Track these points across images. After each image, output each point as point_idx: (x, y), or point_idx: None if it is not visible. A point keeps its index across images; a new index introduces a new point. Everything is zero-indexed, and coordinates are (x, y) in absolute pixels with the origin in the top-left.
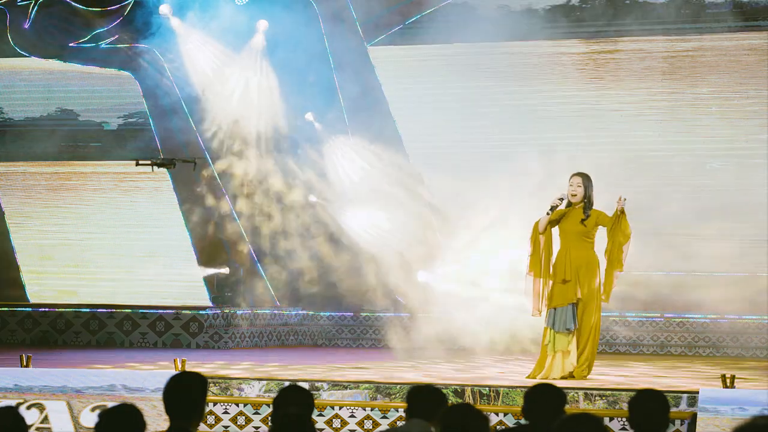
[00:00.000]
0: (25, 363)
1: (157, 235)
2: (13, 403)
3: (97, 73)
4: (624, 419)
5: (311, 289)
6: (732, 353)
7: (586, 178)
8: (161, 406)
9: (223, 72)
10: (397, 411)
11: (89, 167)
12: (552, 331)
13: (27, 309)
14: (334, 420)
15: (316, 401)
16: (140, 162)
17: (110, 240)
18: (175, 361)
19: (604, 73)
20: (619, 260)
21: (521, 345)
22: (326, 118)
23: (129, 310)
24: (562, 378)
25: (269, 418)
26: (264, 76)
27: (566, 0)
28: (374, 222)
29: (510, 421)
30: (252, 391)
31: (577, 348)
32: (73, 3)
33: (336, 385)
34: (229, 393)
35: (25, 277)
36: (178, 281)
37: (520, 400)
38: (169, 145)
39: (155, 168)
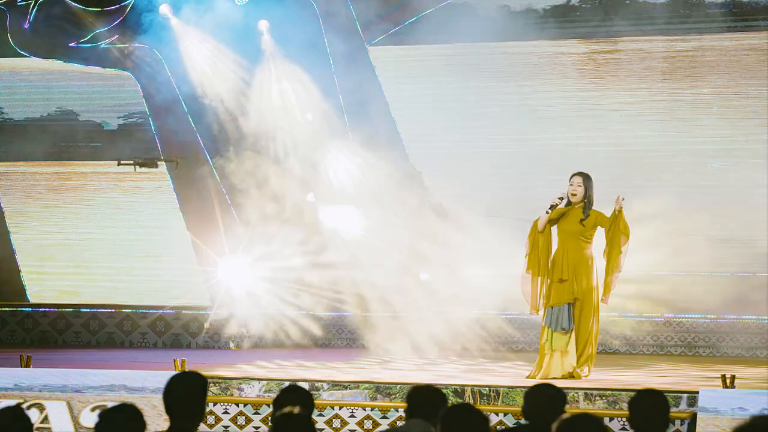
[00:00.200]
0: (25, 363)
1: (157, 235)
2: (13, 403)
3: (97, 73)
4: (624, 419)
5: (311, 289)
6: (732, 353)
7: (586, 178)
8: (161, 406)
9: (222, 71)
10: (397, 411)
11: (89, 167)
12: (549, 330)
13: (27, 309)
14: (334, 420)
15: (316, 401)
16: (122, 162)
17: (110, 240)
18: (175, 361)
19: (604, 73)
20: (618, 262)
21: (518, 345)
22: (326, 118)
23: (129, 310)
24: (562, 378)
25: (269, 418)
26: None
27: (566, 0)
28: (374, 222)
29: (510, 421)
30: (252, 391)
31: (577, 348)
32: (73, 3)
33: (336, 385)
34: (229, 393)
35: (25, 277)
36: (178, 281)
37: (520, 400)
38: (170, 144)
39: (137, 168)
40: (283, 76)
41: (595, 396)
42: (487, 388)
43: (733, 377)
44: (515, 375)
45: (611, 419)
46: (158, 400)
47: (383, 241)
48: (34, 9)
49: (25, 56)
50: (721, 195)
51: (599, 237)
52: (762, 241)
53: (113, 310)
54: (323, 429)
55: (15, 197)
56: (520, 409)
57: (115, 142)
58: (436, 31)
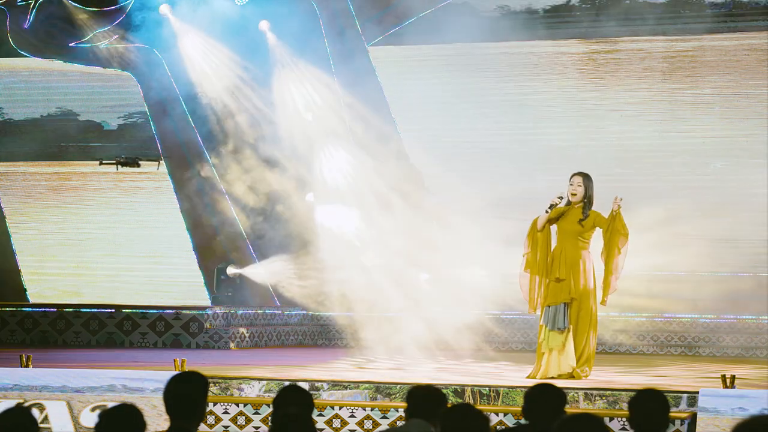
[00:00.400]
0: (25, 363)
1: (157, 235)
2: (13, 403)
3: (97, 73)
4: (624, 419)
5: (312, 289)
6: (732, 353)
7: (586, 178)
8: (161, 406)
9: (222, 71)
10: (397, 411)
11: (89, 167)
12: (546, 329)
13: (27, 309)
14: (334, 420)
15: (316, 401)
16: (104, 161)
17: (110, 240)
18: (175, 361)
19: (604, 73)
20: (617, 263)
21: (517, 346)
22: (326, 118)
23: (129, 310)
24: (560, 377)
25: (269, 418)
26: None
27: (566, 0)
28: (373, 222)
29: (510, 421)
30: (252, 391)
31: (576, 348)
32: (73, 3)
33: (336, 385)
34: (229, 393)
35: (26, 277)
36: (178, 281)
37: (520, 400)
38: (169, 144)
39: (119, 168)
40: (284, 77)
41: (595, 396)
42: (487, 388)
43: (733, 377)
44: (513, 375)
45: (611, 419)
46: (158, 400)
47: (381, 241)
48: (34, 9)
49: (25, 56)
50: (721, 195)
51: (597, 239)
52: (763, 241)
53: (113, 310)
54: (323, 429)
55: (15, 197)
56: (520, 409)
57: (115, 142)
58: (436, 31)
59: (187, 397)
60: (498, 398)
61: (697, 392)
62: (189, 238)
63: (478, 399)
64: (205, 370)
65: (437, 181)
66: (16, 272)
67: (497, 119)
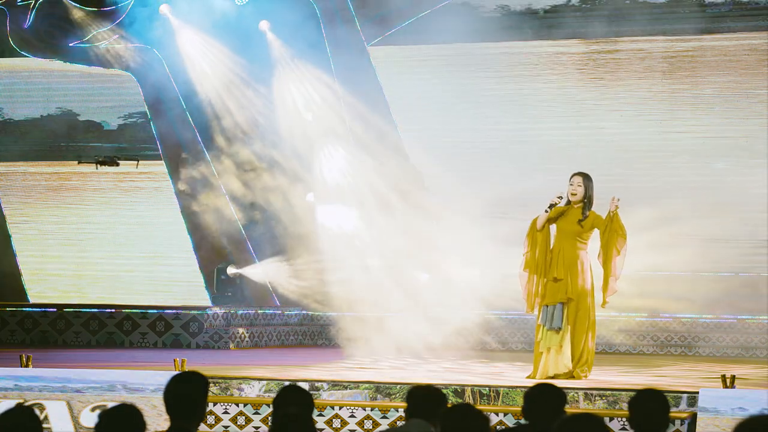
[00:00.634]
0: (25, 363)
1: (157, 235)
2: (13, 403)
3: (97, 73)
4: (624, 419)
5: (311, 289)
6: (732, 353)
7: (586, 178)
8: (161, 406)
9: (222, 71)
10: (397, 411)
11: (89, 167)
12: (543, 328)
13: (27, 309)
14: (334, 420)
15: (316, 401)
16: (82, 160)
17: (110, 240)
18: (175, 361)
19: (604, 73)
20: (616, 265)
21: (517, 346)
22: (326, 118)
23: (129, 310)
24: (558, 376)
25: (269, 418)
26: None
27: (566, 0)
28: (373, 222)
29: (510, 421)
30: (252, 391)
31: (575, 348)
32: (72, 3)
33: (336, 385)
34: (229, 393)
35: (26, 277)
36: (178, 281)
37: (520, 400)
38: (169, 144)
39: (99, 167)
40: (284, 76)
41: (595, 396)
42: (487, 388)
43: (733, 377)
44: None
45: (611, 419)
46: (158, 400)
47: (381, 241)
48: (34, 9)
49: (25, 56)
50: (721, 195)
51: (595, 240)
52: (762, 241)
53: (113, 310)
54: (323, 429)
55: (15, 197)
56: (520, 409)
57: (115, 142)
58: (436, 31)
59: (187, 397)
60: (498, 398)
61: (697, 392)
62: (189, 238)
63: (478, 399)
64: (205, 370)
65: (437, 181)
66: (17, 272)
67: (497, 119)
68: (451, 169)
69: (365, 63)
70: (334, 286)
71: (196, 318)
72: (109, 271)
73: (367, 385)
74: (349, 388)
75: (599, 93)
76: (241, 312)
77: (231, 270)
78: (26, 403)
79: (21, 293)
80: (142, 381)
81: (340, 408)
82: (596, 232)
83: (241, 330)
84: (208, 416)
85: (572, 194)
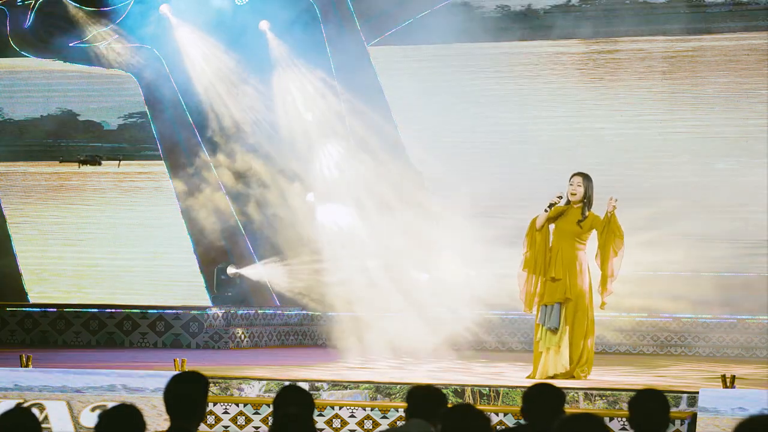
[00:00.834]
0: (25, 363)
1: (157, 235)
2: (13, 403)
3: (97, 73)
4: (624, 419)
5: (310, 289)
6: (732, 353)
7: (586, 178)
8: (161, 406)
9: (222, 70)
10: (397, 411)
11: (89, 167)
12: (543, 328)
13: (27, 309)
14: (334, 420)
15: (316, 401)
16: (63, 160)
17: (110, 240)
18: (175, 361)
19: (604, 73)
20: (613, 266)
21: (517, 346)
22: (326, 118)
23: (129, 310)
24: (556, 376)
25: (269, 418)
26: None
27: (566, 0)
28: (373, 222)
29: (510, 421)
30: (252, 391)
31: (575, 348)
32: (72, 3)
33: (336, 385)
34: (229, 393)
35: (26, 277)
36: (178, 281)
37: (520, 400)
38: (169, 143)
39: (81, 166)
40: (284, 76)
41: (595, 396)
42: (487, 388)
43: (733, 377)
44: (502, 375)
45: (611, 419)
46: (158, 400)
47: (381, 241)
48: (34, 9)
49: (25, 56)
50: (721, 195)
51: (593, 241)
52: (763, 241)
53: (113, 310)
54: (323, 429)
55: (15, 197)
56: (519, 409)
57: (114, 142)
58: (436, 31)
59: (187, 397)
60: (498, 398)
61: (697, 392)
62: (189, 238)
63: (478, 399)
64: (205, 370)
65: (437, 180)
66: (17, 272)
67: (497, 119)
68: (451, 169)
69: (365, 63)
70: (334, 286)
71: (196, 318)
72: (109, 271)
73: (367, 385)
74: (349, 388)
75: (599, 93)
76: (240, 312)
77: (231, 270)
78: (26, 403)
79: (21, 293)
80: (142, 381)
81: (340, 408)
82: (595, 233)
83: (240, 330)
84: (208, 416)
85: (572, 194)
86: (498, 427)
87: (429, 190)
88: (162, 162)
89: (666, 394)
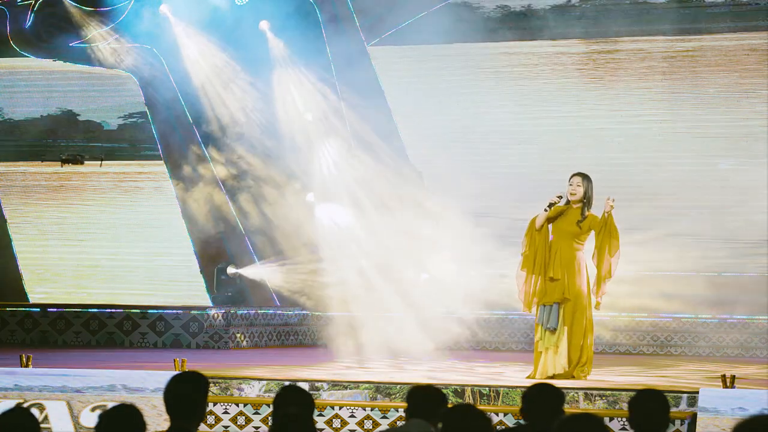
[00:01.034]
0: (25, 363)
1: (157, 235)
2: (13, 403)
3: (97, 73)
4: (624, 419)
5: (310, 289)
6: (732, 353)
7: (586, 178)
8: (161, 406)
9: (222, 70)
10: (397, 411)
11: (89, 167)
12: (542, 327)
13: (27, 309)
14: (334, 420)
15: (316, 401)
16: (45, 158)
17: (110, 240)
18: (175, 361)
19: (604, 73)
20: (609, 267)
21: (517, 346)
22: (326, 118)
23: (129, 310)
24: (556, 376)
25: (269, 418)
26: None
27: (566, 0)
28: (373, 221)
29: (510, 421)
30: (252, 391)
31: (574, 349)
32: (72, 3)
33: (336, 385)
34: (229, 393)
35: (26, 277)
36: (178, 281)
37: (520, 400)
38: (169, 143)
39: (63, 165)
40: (284, 76)
41: (595, 396)
42: (487, 388)
43: (733, 377)
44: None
45: (611, 419)
46: (158, 400)
47: (380, 241)
48: (34, 9)
49: (25, 56)
50: (722, 194)
51: (591, 241)
52: (763, 241)
53: (113, 310)
54: (323, 429)
55: (15, 197)
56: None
57: (114, 142)
58: (436, 31)
59: (187, 397)
60: (498, 398)
61: (697, 392)
62: (189, 238)
63: (478, 399)
64: (205, 370)
65: (436, 180)
66: (17, 272)
67: (497, 119)
68: (451, 168)
69: (365, 63)
70: (333, 286)
71: (196, 318)
72: (109, 271)
73: (367, 385)
74: (349, 388)
75: (599, 93)
76: (240, 312)
77: (231, 270)
78: (26, 403)
79: (21, 293)
80: (142, 381)
81: (340, 408)
82: (593, 236)
83: (240, 330)
84: (208, 416)
85: (571, 194)
86: (498, 427)
87: (428, 189)
88: (162, 162)
89: (666, 394)
